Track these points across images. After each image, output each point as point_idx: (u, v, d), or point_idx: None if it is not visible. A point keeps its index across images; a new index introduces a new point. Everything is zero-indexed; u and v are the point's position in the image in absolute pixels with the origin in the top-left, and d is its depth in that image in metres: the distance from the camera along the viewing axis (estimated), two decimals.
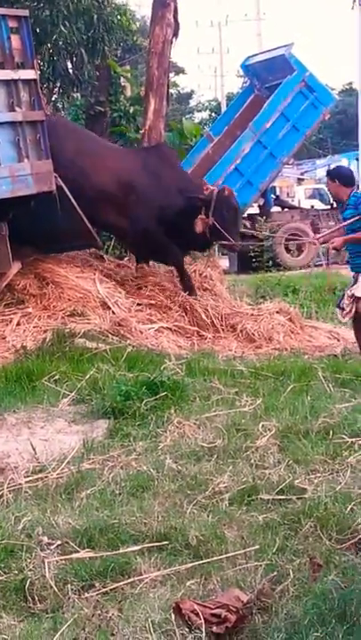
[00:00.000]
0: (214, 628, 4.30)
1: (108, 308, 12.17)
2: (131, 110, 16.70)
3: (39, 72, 11.12)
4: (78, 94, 19.20)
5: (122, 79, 17.38)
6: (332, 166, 14.54)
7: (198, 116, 64.05)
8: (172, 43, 14.94)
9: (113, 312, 12.04)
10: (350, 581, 4.69)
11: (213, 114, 57.87)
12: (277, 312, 12.89)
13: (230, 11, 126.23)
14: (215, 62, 71.12)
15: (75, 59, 17.00)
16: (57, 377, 9.20)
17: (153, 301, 12.83)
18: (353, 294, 9.97)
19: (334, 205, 27.87)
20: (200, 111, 69.29)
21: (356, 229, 10.05)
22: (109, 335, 11.24)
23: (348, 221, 10.21)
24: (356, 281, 10.00)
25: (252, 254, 20.53)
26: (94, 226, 12.95)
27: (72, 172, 12.23)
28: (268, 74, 26.80)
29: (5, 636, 4.41)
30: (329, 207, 31.32)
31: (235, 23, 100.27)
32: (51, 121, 12.33)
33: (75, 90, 18.31)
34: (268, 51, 28.07)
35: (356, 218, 10.03)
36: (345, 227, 10.32)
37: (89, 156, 12.92)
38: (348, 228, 10.16)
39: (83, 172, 12.60)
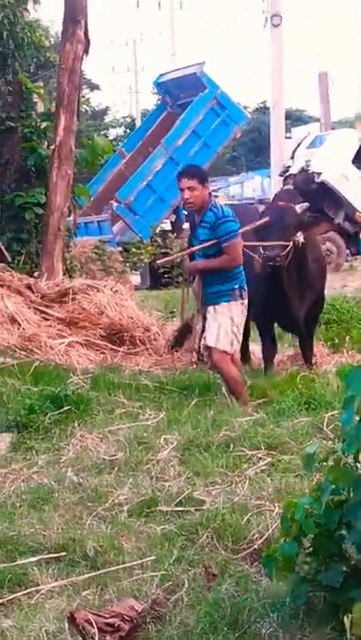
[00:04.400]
0: (108, 637, 4.37)
1: (18, 323, 12.13)
2: (42, 126, 16.68)
3: None
4: None
5: (34, 95, 17.38)
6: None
7: (113, 133, 64.27)
8: (82, 59, 14.96)
9: (22, 327, 12.01)
10: (243, 590, 4.78)
11: (128, 130, 58.02)
12: None
13: (145, 29, 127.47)
14: (130, 80, 71.84)
15: None
16: None
17: (63, 316, 12.79)
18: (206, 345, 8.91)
19: None
20: (115, 127, 69.52)
21: (211, 255, 8.80)
22: (17, 350, 11.21)
23: (203, 245, 8.82)
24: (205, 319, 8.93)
25: (163, 270, 20.77)
26: None
27: None
28: (180, 91, 27.12)
29: None
30: None
31: (149, 42, 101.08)
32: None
33: None
34: (181, 69, 28.35)
35: (213, 242, 8.70)
36: (197, 251, 9.00)
37: None
38: (202, 253, 8.93)
39: None
